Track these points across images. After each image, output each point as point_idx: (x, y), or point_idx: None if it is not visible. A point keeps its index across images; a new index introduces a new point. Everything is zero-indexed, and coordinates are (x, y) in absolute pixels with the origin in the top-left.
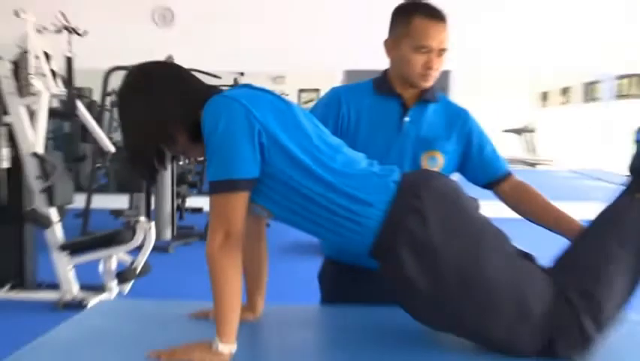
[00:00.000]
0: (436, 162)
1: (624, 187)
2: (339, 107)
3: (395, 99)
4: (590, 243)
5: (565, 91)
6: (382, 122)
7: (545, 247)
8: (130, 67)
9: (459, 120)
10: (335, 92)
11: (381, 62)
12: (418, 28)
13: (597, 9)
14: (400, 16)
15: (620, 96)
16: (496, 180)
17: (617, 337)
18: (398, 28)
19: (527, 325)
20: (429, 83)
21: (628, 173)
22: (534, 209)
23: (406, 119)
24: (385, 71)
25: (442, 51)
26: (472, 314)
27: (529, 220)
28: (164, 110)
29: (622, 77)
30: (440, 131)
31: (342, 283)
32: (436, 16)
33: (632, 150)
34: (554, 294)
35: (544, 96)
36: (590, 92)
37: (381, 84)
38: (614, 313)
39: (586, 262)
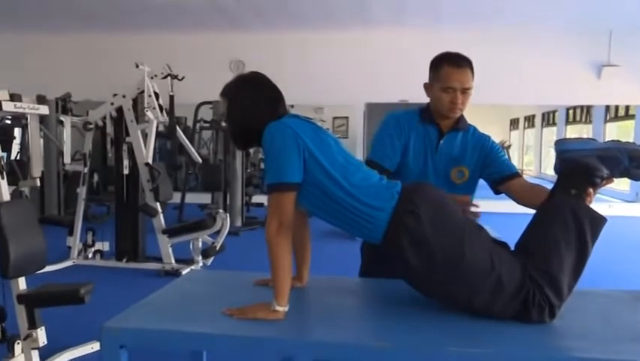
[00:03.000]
0: (463, 174)
1: (556, 185)
2: (401, 130)
3: (434, 127)
4: (540, 231)
5: (529, 118)
6: (424, 144)
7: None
8: (233, 79)
9: (481, 143)
10: (395, 118)
11: (389, 96)
12: (444, 74)
13: (552, 59)
14: (434, 65)
15: (571, 122)
16: (508, 176)
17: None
18: (432, 75)
19: (501, 297)
20: (456, 114)
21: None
22: (534, 200)
23: (442, 142)
24: (428, 105)
25: (465, 90)
26: (457, 288)
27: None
28: (257, 113)
29: (571, 107)
30: (467, 151)
31: (373, 256)
32: (459, 63)
33: (555, 157)
34: (521, 273)
35: (514, 122)
36: (549, 118)
37: (425, 115)
38: (569, 285)
39: (540, 247)
